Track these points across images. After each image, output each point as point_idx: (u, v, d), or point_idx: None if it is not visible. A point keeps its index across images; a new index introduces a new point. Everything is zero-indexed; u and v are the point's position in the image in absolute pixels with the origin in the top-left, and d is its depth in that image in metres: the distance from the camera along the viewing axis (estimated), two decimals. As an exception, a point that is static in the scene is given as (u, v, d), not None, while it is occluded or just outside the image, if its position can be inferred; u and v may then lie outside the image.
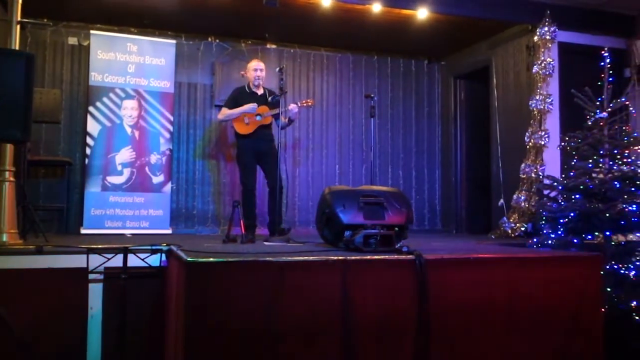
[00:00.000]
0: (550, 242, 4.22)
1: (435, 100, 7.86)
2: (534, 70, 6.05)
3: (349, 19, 6.22)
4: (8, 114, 3.40)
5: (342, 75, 7.47)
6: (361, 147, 7.41)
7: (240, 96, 5.34)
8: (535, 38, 6.07)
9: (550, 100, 5.93)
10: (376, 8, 5.79)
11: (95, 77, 5.90)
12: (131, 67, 6.02)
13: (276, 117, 5.33)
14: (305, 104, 5.48)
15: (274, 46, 7.15)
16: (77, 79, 6.39)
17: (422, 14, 5.95)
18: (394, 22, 6.30)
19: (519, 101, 6.36)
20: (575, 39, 6.23)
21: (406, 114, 7.69)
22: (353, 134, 7.42)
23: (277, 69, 5.26)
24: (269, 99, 5.35)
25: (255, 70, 5.35)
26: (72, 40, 6.41)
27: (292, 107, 5.28)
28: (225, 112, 5.36)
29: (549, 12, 5.99)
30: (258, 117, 5.14)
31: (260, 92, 5.37)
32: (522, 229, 5.85)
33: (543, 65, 5.97)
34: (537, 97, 5.96)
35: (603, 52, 4.56)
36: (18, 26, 4.06)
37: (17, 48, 4.00)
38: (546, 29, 5.98)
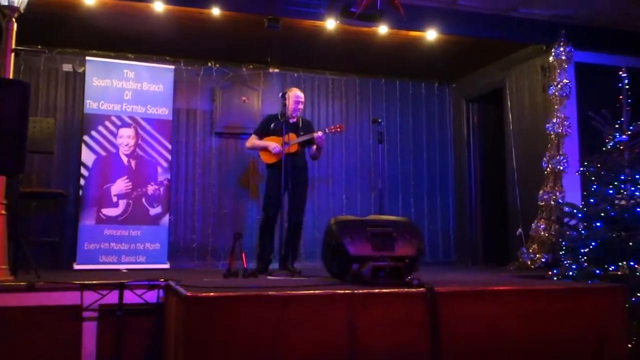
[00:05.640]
0: (571, 273, 4.23)
1: (446, 125, 7.94)
2: (550, 92, 6.13)
3: (355, 42, 6.35)
4: (1, 145, 3.49)
5: (348, 99, 7.58)
6: (369, 174, 7.47)
7: (271, 124, 5.35)
8: (551, 58, 6.17)
9: (567, 123, 6.00)
10: (382, 30, 5.92)
11: (91, 105, 6.03)
12: (128, 94, 6.15)
13: (305, 145, 5.44)
14: (334, 130, 5.54)
15: (276, 70, 7.29)
16: (72, 107, 6.53)
17: (430, 35, 6.08)
18: (402, 43, 6.43)
19: (535, 124, 6.43)
20: (592, 59, 6.32)
21: (416, 139, 7.77)
22: (360, 161, 7.49)
23: (280, 95, 5.38)
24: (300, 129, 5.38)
25: (297, 102, 5.39)
26: (67, 67, 6.56)
27: (319, 135, 5.35)
28: (252, 141, 5.48)
29: (563, 31, 6.10)
30: (285, 145, 5.15)
31: (293, 120, 5.39)
32: (543, 259, 5.84)
33: (559, 86, 6.05)
34: (554, 120, 6.03)
35: (621, 72, 4.64)
36: (12, 54, 4.20)
37: (11, 76, 4.13)
38: (561, 49, 6.08)
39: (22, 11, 4.35)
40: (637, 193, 4.20)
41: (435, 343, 2.74)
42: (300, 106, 5.44)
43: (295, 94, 5.43)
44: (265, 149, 5.34)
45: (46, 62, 6.50)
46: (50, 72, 6.53)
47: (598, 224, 4.22)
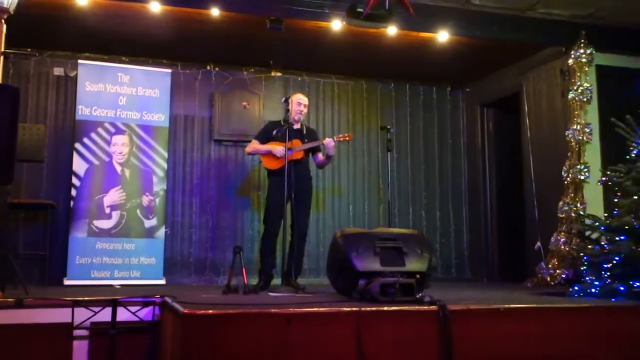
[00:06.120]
0: (593, 290, 4.23)
1: (460, 132, 7.96)
2: (569, 97, 6.13)
3: (362, 44, 6.38)
4: (-11, 153, 3.52)
5: (355, 104, 7.60)
6: (377, 184, 7.48)
7: (274, 130, 5.41)
8: (570, 61, 6.18)
9: (589, 129, 5.99)
10: (391, 31, 5.95)
11: (83, 111, 6.07)
12: (122, 100, 6.19)
13: (311, 152, 5.51)
14: (342, 139, 5.60)
15: (279, 74, 7.33)
16: (63, 112, 6.58)
17: (442, 36, 6.10)
18: (412, 45, 6.46)
19: (554, 131, 6.43)
20: (615, 62, 6.33)
21: (428, 147, 7.78)
22: (368, 171, 7.51)
23: (283, 100, 5.41)
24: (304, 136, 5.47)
25: (299, 104, 5.45)
26: (58, 71, 6.61)
27: (328, 141, 5.40)
28: (253, 146, 5.52)
29: (584, 32, 6.11)
30: (289, 152, 5.17)
31: (296, 126, 5.47)
32: (563, 275, 5.83)
33: (580, 91, 6.06)
34: (574, 127, 6.03)
35: (645, 76, 4.66)
36: (1, 57, 4.25)
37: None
38: (582, 51, 6.09)
39: (11, 12, 4.41)
40: (664, 204, 4.21)
41: (448, 364, 2.74)
42: (302, 108, 5.48)
43: (298, 96, 5.53)
44: (268, 153, 5.36)
45: (36, 65, 6.55)
46: (41, 76, 6.58)
47: (622, 238, 4.22)
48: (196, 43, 6.48)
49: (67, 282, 5.71)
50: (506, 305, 3.05)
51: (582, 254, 4.60)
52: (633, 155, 4.49)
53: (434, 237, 7.51)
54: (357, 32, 6.01)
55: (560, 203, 6.05)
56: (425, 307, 2.90)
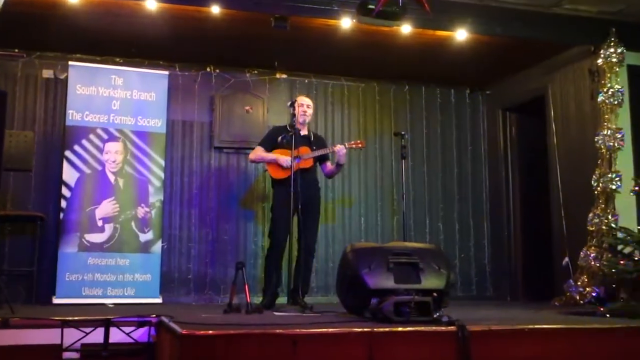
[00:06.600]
0: (627, 309, 4.21)
1: (480, 137, 7.95)
2: (599, 100, 6.12)
3: (374, 43, 6.40)
4: (-27, 162, 3.56)
5: (367, 108, 7.62)
6: (391, 195, 7.48)
7: (279, 136, 5.47)
8: (599, 61, 6.17)
9: (620, 135, 5.98)
10: (405, 30, 5.97)
11: (74, 116, 6.10)
12: (116, 104, 6.23)
13: (320, 161, 5.54)
14: (354, 146, 5.63)
15: (284, 76, 7.35)
16: (52, 118, 6.61)
17: (460, 35, 6.11)
18: (428, 45, 6.47)
19: (582, 137, 6.42)
20: (648, 62, 6.34)
21: (445, 154, 7.78)
22: (381, 180, 7.51)
23: (288, 104, 5.43)
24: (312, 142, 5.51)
25: (302, 105, 5.52)
26: (47, 73, 6.65)
27: (339, 148, 5.44)
28: (257, 153, 5.55)
29: (614, 30, 6.11)
30: (297, 160, 5.19)
31: (303, 132, 5.52)
32: (593, 293, 5.80)
33: (610, 93, 6.05)
34: (605, 132, 6.01)
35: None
36: (-14, 59, 4.30)
37: (-16, 84, 4.22)
38: (612, 50, 6.08)
39: (-2, 12, 4.46)
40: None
41: (468, 390, 2.74)
42: (306, 109, 5.52)
43: (300, 97, 5.61)
44: (274, 162, 5.38)
45: (24, 67, 6.60)
46: (29, 79, 6.63)
47: (657, 252, 4.22)
48: (195, 43, 6.51)
49: (56, 300, 5.73)
50: (531, 326, 3.04)
51: (614, 270, 4.59)
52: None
53: (452, 251, 7.48)
54: (369, 31, 6.02)
55: (590, 215, 6.02)
56: (443, 328, 2.89)
